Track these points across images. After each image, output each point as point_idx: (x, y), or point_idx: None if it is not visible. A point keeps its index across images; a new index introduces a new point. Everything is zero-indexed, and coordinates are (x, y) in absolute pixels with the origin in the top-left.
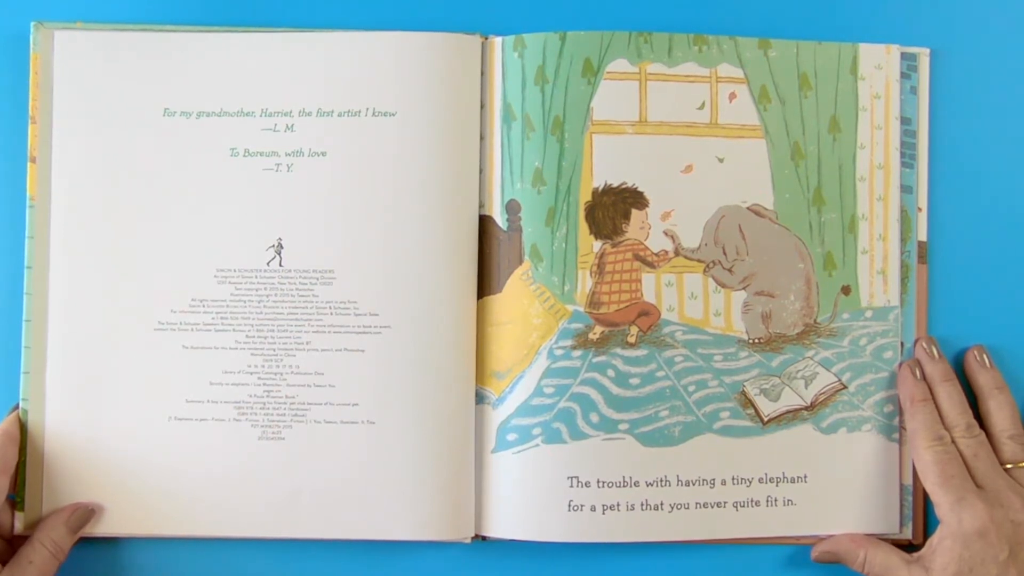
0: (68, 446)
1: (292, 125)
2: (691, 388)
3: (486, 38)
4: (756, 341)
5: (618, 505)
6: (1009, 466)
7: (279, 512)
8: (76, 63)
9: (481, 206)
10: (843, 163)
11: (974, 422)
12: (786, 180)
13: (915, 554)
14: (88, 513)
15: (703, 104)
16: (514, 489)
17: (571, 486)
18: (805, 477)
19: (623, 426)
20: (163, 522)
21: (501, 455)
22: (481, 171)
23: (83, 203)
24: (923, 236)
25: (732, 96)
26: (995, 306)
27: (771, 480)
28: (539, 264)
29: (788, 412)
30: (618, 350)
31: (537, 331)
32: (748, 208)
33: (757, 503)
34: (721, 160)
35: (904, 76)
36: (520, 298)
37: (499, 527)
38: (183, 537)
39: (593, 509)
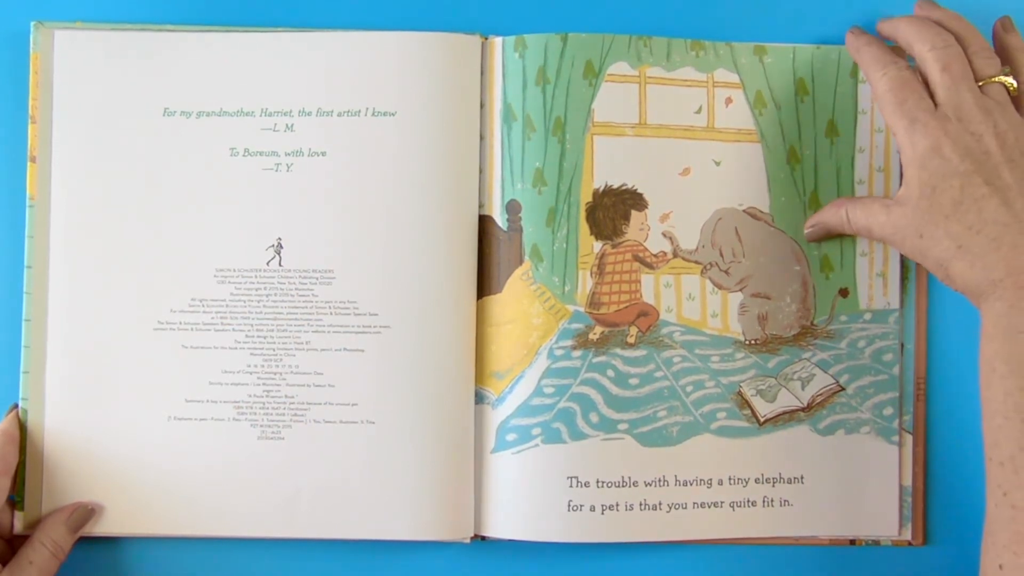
0: (68, 446)
1: (292, 125)
2: (689, 388)
3: (486, 38)
4: (752, 342)
5: (617, 505)
6: (981, 83)
7: (279, 512)
8: (76, 63)
9: (481, 206)
10: (841, 167)
11: (951, 37)
12: (782, 184)
13: (895, 195)
14: (88, 512)
15: (700, 108)
16: (513, 489)
17: (571, 486)
18: (802, 478)
19: (622, 426)
20: (163, 522)
21: (500, 455)
22: (481, 171)
23: (83, 203)
24: None
25: (728, 101)
26: None
27: (767, 480)
28: (539, 264)
29: (784, 413)
30: (618, 350)
31: (537, 331)
32: (744, 211)
33: (753, 503)
34: (718, 163)
35: None
36: (520, 298)
37: (498, 527)
38: (183, 537)
39: (592, 509)
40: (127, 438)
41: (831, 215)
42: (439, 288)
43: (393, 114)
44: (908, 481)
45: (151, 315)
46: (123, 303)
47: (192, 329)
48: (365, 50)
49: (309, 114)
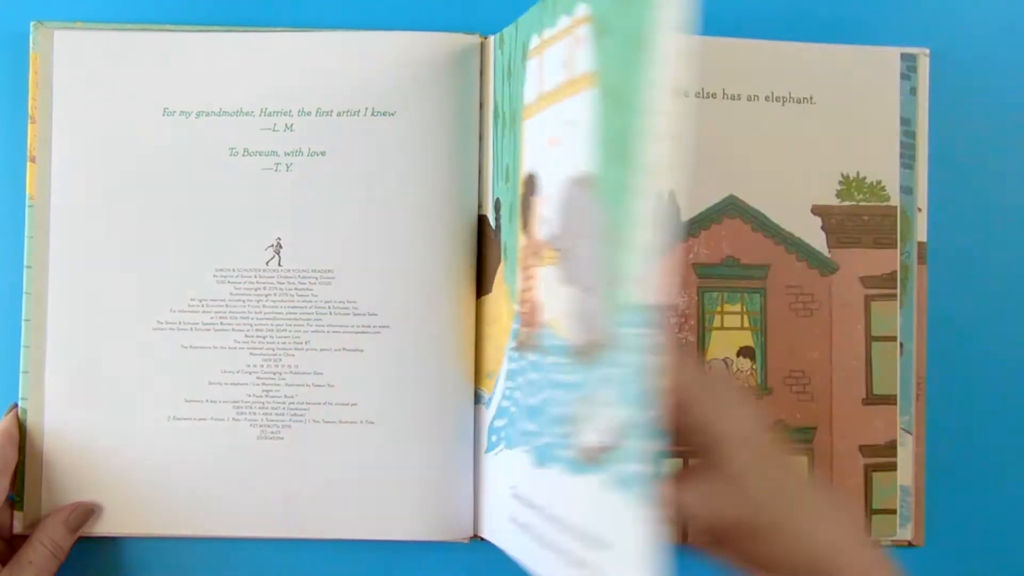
0: (67, 446)
1: (291, 125)
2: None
3: (486, 38)
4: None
5: None
6: None
7: (278, 512)
8: (76, 63)
9: (480, 206)
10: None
11: None
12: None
13: None
14: (87, 512)
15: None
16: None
17: (512, 496)
18: None
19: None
20: (163, 522)
21: (490, 455)
22: (480, 171)
23: (83, 203)
24: (923, 236)
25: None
26: (995, 306)
27: None
28: (507, 263)
29: None
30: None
31: (507, 331)
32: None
33: None
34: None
35: (904, 77)
36: (500, 298)
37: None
38: (183, 537)
39: None
40: (127, 438)
41: None
42: (438, 288)
43: (393, 114)
44: (908, 481)
45: (151, 315)
46: (123, 303)
47: (192, 329)
48: (365, 50)
49: (309, 114)
